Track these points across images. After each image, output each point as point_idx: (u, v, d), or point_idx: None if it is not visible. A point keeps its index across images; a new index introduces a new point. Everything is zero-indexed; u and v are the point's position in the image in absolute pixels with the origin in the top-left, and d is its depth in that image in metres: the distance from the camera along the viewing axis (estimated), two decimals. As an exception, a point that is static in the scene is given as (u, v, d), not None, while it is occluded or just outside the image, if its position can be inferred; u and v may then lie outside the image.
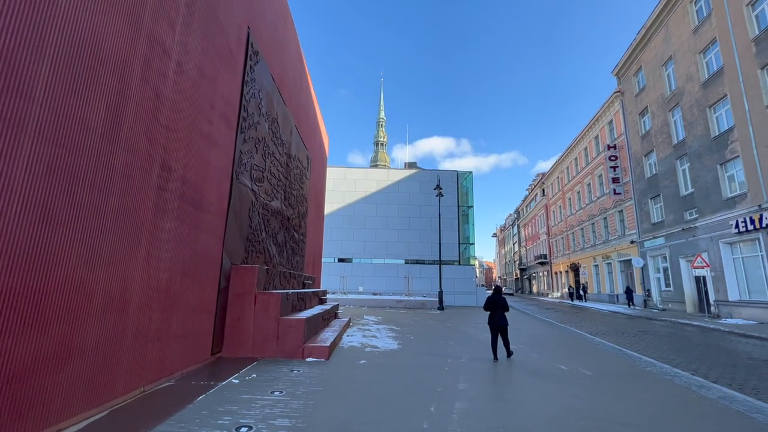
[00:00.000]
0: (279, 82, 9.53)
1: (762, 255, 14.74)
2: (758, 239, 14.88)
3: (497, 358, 6.90)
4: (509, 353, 7.10)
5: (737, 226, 15.64)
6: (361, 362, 6.35)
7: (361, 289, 25.60)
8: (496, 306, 7.12)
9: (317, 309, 9.28)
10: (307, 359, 6.33)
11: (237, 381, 4.82)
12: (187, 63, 5.00)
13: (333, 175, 26.84)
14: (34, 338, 2.83)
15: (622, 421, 3.82)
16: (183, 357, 5.06)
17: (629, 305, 23.93)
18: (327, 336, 7.71)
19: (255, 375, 5.13)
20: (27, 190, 2.77)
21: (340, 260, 26.77)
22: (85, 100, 3.30)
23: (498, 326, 7.02)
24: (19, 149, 2.71)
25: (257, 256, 8.05)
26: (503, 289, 65.73)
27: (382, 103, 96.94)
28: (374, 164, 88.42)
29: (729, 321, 14.98)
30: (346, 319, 11.39)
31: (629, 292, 24.53)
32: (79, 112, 3.23)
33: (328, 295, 20.94)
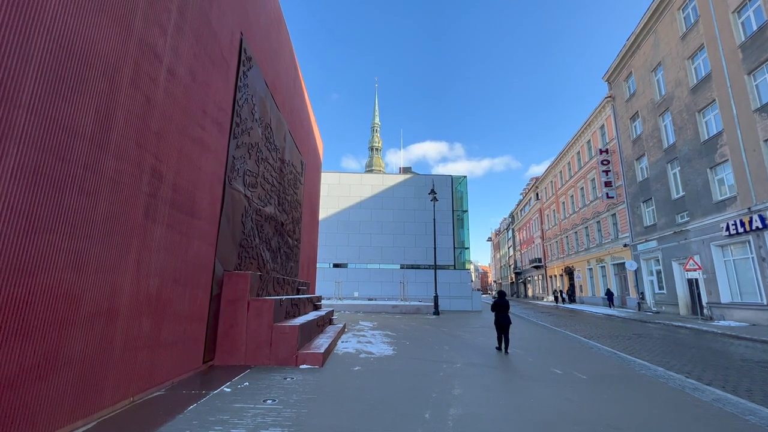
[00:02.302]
0: (272, 88, 9.52)
1: (752, 257, 14.92)
2: (749, 242, 15.07)
3: (500, 350, 8.25)
4: (507, 349, 8.14)
5: (728, 228, 15.84)
6: (356, 369, 6.28)
7: (356, 294, 25.48)
8: (501, 308, 8.26)
9: (311, 315, 9.20)
10: (301, 366, 6.25)
11: (229, 389, 4.74)
12: (179, 68, 4.98)
13: (327, 181, 26.82)
14: (19, 347, 2.76)
15: (616, 425, 3.81)
16: (174, 366, 4.97)
17: (610, 306, 25.36)
18: (321, 342, 7.64)
19: (247, 383, 5.05)
20: (13, 195, 2.71)
21: (335, 265, 26.65)
22: (74, 104, 3.26)
23: (503, 325, 8.16)
24: (5, 154, 2.66)
25: (250, 262, 7.98)
26: (496, 296, 77.39)
27: (376, 108, 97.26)
28: (369, 169, 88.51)
29: (721, 323, 15.11)
30: (341, 325, 11.30)
31: (610, 295, 25.90)
32: (67, 116, 3.18)
33: (323, 301, 20.82)
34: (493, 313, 8.48)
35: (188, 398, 4.32)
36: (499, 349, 8.32)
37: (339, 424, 3.70)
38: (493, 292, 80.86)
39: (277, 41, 10.18)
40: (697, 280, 17.92)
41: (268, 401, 4.31)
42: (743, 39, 15.44)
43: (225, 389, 4.74)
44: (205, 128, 5.78)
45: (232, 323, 6.37)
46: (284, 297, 7.87)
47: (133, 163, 4.03)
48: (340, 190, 27.70)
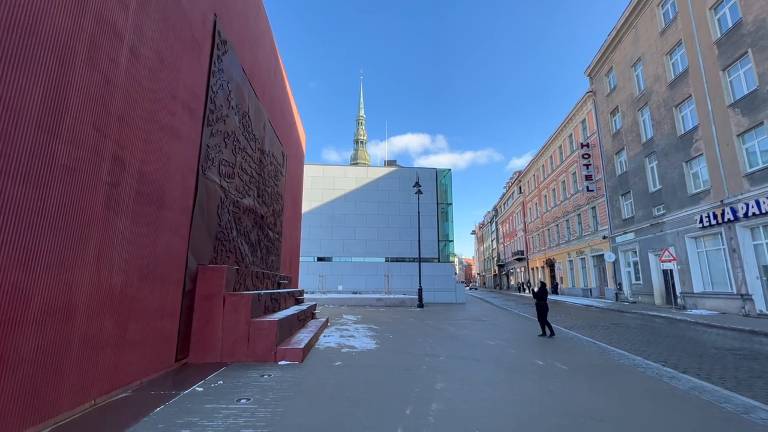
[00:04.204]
0: (250, 75, 9.14)
1: (724, 248, 15.45)
2: (720, 233, 15.59)
3: (544, 335, 9.32)
4: (551, 333, 9.37)
5: (701, 221, 16.35)
6: (337, 364, 6.14)
7: (340, 288, 25.29)
8: (540, 297, 9.66)
9: (292, 310, 8.98)
10: (280, 362, 6.06)
11: (201, 389, 4.51)
12: (144, 48, 4.63)
13: (311, 173, 26.38)
14: (-47, 352, 2.48)
15: (599, 417, 3.79)
16: (142, 365, 4.70)
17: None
18: (302, 337, 7.45)
19: (222, 381, 4.83)
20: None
21: (320, 259, 26.36)
22: (15, 83, 2.94)
23: (541, 311, 9.50)
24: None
25: (228, 256, 7.68)
26: (476, 286, 79.70)
27: (361, 101, 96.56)
28: (354, 162, 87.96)
29: (694, 312, 15.65)
30: (324, 319, 11.13)
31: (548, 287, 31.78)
32: (6, 97, 2.86)
33: (307, 295, 20.54)
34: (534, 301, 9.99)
35: (156, 399, 4.07)
36: (542, 335, 9.30)
37: (316, 423, 3.54)
38: (471, 284, 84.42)
39: (256, 26, 9.76)
40: (671, 270, 18.49)
41: (243, 400, 4.11)
42: (719, 35, 15.79)
43: (197, 389, 4.51)
44: (175, 114, 5.45)
45: (207, 319, 6.10)
46: (263, 291, 7.62)
47: (91, 149, 3.71)
48: (324, 182, 27.30)
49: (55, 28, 3.29)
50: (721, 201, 15.29)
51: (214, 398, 4.17)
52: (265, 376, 5.17)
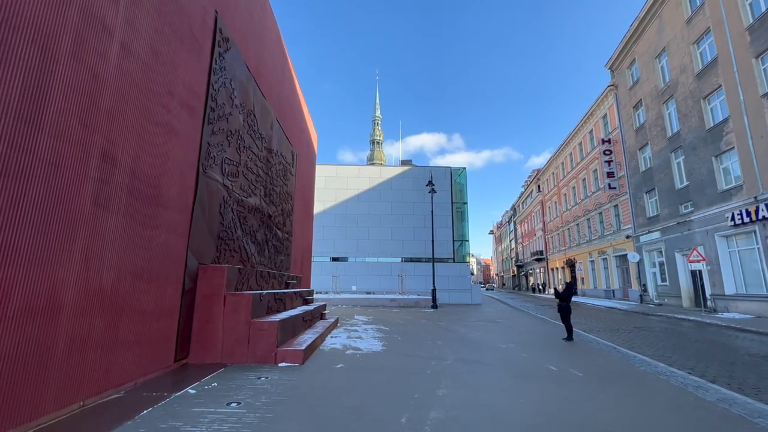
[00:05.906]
0: (256, 73, 9.08)
1: (758, 248, 14.47)
2: (754, 232, 14.60)
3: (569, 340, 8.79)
4: (570, 336, 8.92)
5: (733, 218, 15.37)
6: (338, 366, 5.94)
7: (354, 288, 25.17)
8: (563, 298, 9.31)
9: (298, 310, 8.86)
10: (280, 364, 5.91)
11: (194, 391, 4.40)
12: (136, 43, 4.56)
13: (324, 173, 26.38)
14: None
15: (613, 430, 3.44)
16: (138, 365, 4.63)
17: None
18: (305, 338, 7.30)
19: (216, 384, 4.71)
20: None
21: (334, 259, 26.31)
22: (-8, 75, 2.87)
23: (565, 312, 9.13)
24: None
25: (232, 255, 7.62)
26: (494, 286, 77.73)
27: (377, 101, 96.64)
28: (371, 162, 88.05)
29: (726, 315, 14.71)
30: (333, 320, 10.98)
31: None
32: (-18, 88, 2.80)
33: (321, 295, 20.52)
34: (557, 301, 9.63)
35: (146, 401, 3.97)
36: (567, 338, 8.85)
37: (304, 430, 3.34)
38: (488, 285, 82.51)
39: (261, 24, 9.71)
40: (700, 271, 17.48)
41: (233, 404, 3.96)
42: (751, 21, 14.81)
43: (189, 391, 4.40)
44: (171, 111, 5.38)
45: (207, 319, 6.02)
46: (265, 291, 7.52)
47: (77, 144, 3.64)
48: (337, 182, 27.26)
49: (34, 19, 3.22)
50: (755, 197, 14.31)
51: (204, 401, 4.04)
52: (262, 378, 5.03)
